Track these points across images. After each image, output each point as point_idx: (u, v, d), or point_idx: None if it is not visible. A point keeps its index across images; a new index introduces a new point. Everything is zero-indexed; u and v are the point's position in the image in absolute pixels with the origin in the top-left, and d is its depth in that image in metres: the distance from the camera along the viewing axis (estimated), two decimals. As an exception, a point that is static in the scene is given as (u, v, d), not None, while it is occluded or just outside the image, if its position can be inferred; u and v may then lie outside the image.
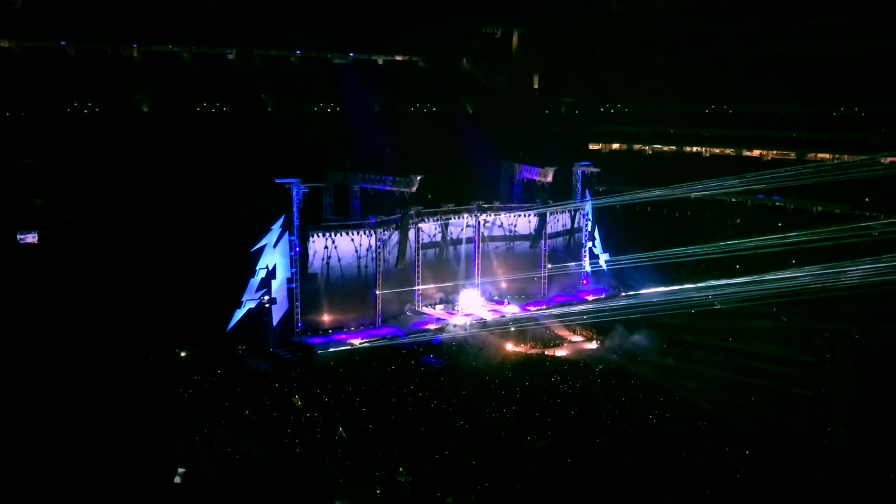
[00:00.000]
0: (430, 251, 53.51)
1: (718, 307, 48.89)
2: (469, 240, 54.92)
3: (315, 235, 47.77)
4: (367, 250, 49.64)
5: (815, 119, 65.87)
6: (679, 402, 37.43)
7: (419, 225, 52.21)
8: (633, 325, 47.81)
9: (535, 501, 28.32)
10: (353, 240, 49.10)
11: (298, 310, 47.51)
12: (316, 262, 48.00)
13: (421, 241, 52.61)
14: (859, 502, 28.58)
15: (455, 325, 49.67)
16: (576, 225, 59.43)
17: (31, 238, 48.40)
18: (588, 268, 59.81)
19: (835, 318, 46.48)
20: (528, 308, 53.71)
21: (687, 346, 45.42)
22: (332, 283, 48.71)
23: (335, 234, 48.48)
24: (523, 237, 57.04)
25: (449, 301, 53.42)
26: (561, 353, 46.42)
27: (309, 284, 47.75)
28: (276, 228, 45.86)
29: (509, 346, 46.84)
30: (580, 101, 79.00)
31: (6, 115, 54.64)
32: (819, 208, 61.50)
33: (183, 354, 42.14)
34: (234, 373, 40.76)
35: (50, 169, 52.80)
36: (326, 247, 48.26)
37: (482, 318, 50.85)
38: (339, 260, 48.81)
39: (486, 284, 55.37)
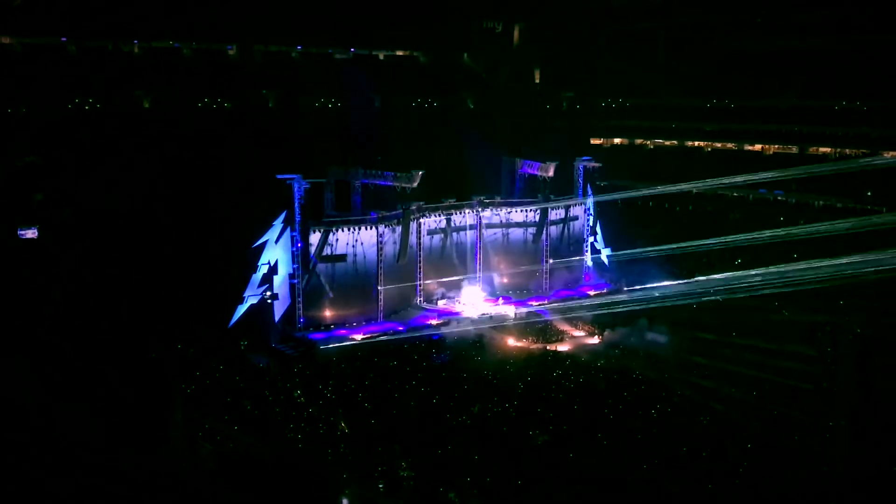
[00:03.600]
0: (432, 246, 53.52)
1: (720, 300, 48.92)
2: (471, 234, 54.96)
3: (322, 230, 47.93)
4: (369, 246, 49.62)
5: (817, 113, 65.74)
6: (681, 396, 37.43)
7: (420, 220, 52.22)
8: (636, 318, 47.88)
9: (537, 496, 28.37)
10: (342, 238, 49.08)
11: (301, 304, 47.65)
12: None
13: (422, 237, 52.63)
14: (860, 496, 28.59)
15: (459, 321, 49.66)
16: (577, 220, 59.34)
17: (32, 233, 48.49)
18: (590, 262, 59.79)
19: (836, 312, 46.51)
20: (530, 303, 53.72)
21: (688, 339, 45.42)
22: (333, 278, 48.73)
23: (336, 230, 48.50)
24: (524, 232, 56.97)
25: (451, 297, 53.47)
26: (563, 347, 46.44)
27: (313, 280, 47.89)
28: (278, 224, 45.86)
29: (511, 341, 46.88)
30: (581, 96, 78.89)
31: (7, 111, 54.67)
32: (821, 202, 61.45)
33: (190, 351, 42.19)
34: (236, 368, 40.82)
35: (51, 165, 52.86)
36: (329, 242, 48.34)
37: (486, 314, 50.87)
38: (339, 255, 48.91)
39: (487, 279, 55.40)
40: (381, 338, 46.94)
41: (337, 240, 48.47)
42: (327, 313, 48.68)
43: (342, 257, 48.74)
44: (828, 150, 64.63)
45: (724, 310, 48.37)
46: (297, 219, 46.47)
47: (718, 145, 72.04)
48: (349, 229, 48.75)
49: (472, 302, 52.59)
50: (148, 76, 61.43)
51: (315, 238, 47.69)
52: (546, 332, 48.74)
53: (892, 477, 28.96)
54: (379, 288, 49.91)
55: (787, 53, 67.76)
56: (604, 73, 75.92)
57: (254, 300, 45.42)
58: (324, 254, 48.07)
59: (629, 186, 64.12)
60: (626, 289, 55.34)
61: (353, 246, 49.05)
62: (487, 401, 36.19)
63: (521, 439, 32.50)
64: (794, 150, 66.68)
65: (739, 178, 57.89)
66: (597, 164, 58.48)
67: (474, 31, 77.15)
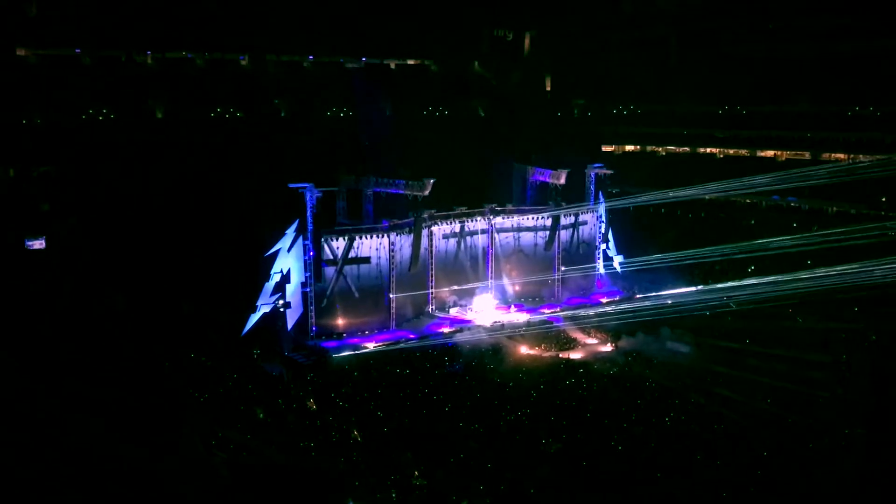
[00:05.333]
0: (444, 254, 53.54)
1: (734, 308, 48.68)
2: (483, 241, 54.95)
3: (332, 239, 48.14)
4: (381, 254, 49.73)
5: (830, 119, 65.40)
6: (695, 404, 37.23)
7: (432, 228, 52.27)
8: (649, 326, 47.67)
9: (550, 504, 28.31)
10: (366, 243, 49.22)
11: (313, 313, 47.79)
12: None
13: (434, 245, 52.68)
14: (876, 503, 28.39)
15: (471, 329, 49.61)
16: (586, 224, 59.19)
17: (39, 244, 48.74)
18: (602, 270, 59.66)
19: (851, 319, 46.17)
20: (543, 311, 53.62)
21: (702, 347, 45.21)
22: (346, 287, 48.85)
23: (349, 238, 48.68)
24: (535, 237, 56.90)
25: (463, 304, 53.46)
26: (576, 355, 46.31)
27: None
28: (291, 233, 46.08)
29: (524, 349, 46.81)
30: (593, 103, 78.84)
31: (22, 122, 55.17)
32: (834, 209, 61.10)
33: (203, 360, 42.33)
34: (249, 377, 40.93)
35: (65, 175, 53.27)
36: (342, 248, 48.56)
37: (499, 321, 50.84)
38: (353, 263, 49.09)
39: (499, 287, 55.35)
40: (394, 346, 46.98)
41: (361, 244, 48.76)
42: (340, 321, 48.78)
43: (366, 259, 48.98)
44: (841, 155, 64.29)
45: (738, 317, 48.14)
46: (310, 227, 46.69)
47: (730, 151, 71.80)
48: (361, 237, 48.90)
49: (484, 310, 52.55)
50: (161, 86, 61.85)
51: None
52: (559, 339, 48.64)
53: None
54: (391, 296, 49.99)
55: (799, 59, 67.49)
56: (615, 79, 75.83)
57: (266, 308, 45.58)
58: (347, 257, 48.46)
59: (641, 193, 64.03)
60: (638, 296, 55.14)
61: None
62: (500, 408, 36.14)
63: (534, 447, 32.42)
64: (807, 155, 66.38)
65: (752, 184, 57.62)
66: (608, 171, 58.45)
67: (485, 39, 77.22)
